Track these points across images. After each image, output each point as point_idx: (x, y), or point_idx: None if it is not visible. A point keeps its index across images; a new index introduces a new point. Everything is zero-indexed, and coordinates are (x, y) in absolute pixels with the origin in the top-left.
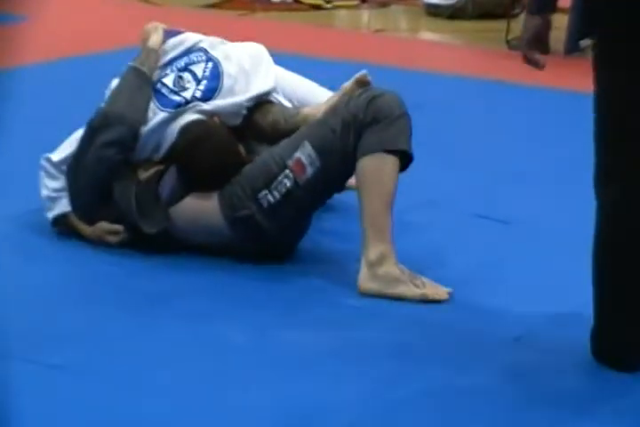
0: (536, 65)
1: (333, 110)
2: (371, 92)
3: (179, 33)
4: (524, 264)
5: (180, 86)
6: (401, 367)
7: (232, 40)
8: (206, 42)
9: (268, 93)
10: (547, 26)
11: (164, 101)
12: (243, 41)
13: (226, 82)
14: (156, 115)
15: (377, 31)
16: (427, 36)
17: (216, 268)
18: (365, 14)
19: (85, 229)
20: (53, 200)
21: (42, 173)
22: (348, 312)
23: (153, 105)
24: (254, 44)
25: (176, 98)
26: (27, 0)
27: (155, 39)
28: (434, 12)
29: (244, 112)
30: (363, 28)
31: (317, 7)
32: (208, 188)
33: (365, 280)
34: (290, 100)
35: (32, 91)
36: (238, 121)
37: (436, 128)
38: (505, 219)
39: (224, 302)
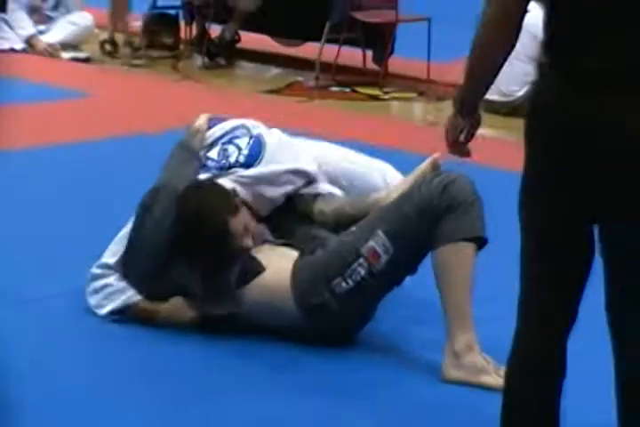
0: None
1: (406, 197)
2: (443, 178)
3: (223, 120)
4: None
5: (224, 156)
6: None
7: (290, 125)
8: (250, 122)
9: (310, 178)
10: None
11: (206, 168)
12: (301, 126)
13: (268, 150)
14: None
15: (431, 124)
16: (483, 131)
17: (283, 354)
18: (421, 107)
19: (159, 311)
20: (109, 295)
21: (91, 282)
22: (415, 404)
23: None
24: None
25: (218, 164)
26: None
27: (200, 121)
28: (490, 107)
29: (287, 188)
30: (417, 120)
31: (374, 97)
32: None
33: (450, 369)
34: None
35: (90, 165)
36: (280, 192)
37: (488, 223)
38: None
39: (292, 392)
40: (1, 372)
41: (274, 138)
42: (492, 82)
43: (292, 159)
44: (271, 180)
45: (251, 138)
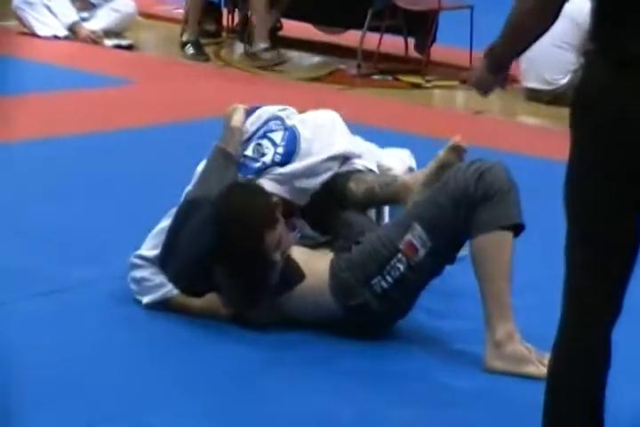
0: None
1: (441, 186)
2: (478, 166)
3: (257, 109)
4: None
5: (259, 153)
6: None
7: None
8: (283, 112)
9: (346, 156)
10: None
11: (243, 169)
12: (342, 114)
13: (303, 145)
14: None
15: (476, 113)
16: (525, 120)
17: (317, 341)
18: (463, 95)
19: (195, 305)
20: (147, 289)
21: (131, 271)
22: (453, 394)
23: None
24: (328, 111)
25: (256, 164)
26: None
27: (237, 118)
28: (533, 96)
29: (324, 176)
30: (459, 108)
31: (417, 86)
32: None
33: (492, 359)
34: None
35: (135, 153)
36: (317, 182)
37: (529, 212)
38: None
39: (329, 377)
40: (42, 359)
41: (308, 129)
42: (526, 50)
43: (326, 146)
44: (308, 173)
45: (285, 130)
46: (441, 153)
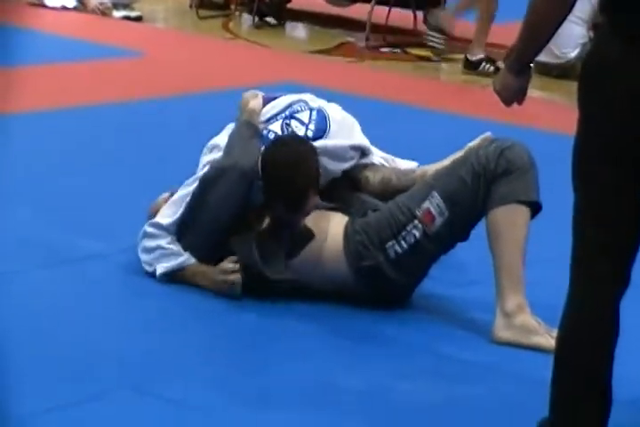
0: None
1: (462, 161)
2: (500, 144)
3: (276, 98)
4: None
5: (288, 131)
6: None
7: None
8: (306, 96)
9: (364, 150)
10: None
11: (267, 142)
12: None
13: (332, 125)
14: None
15: (480, 86)
16: (533, 93)
17: (330, 312)
18: None
19: (204, 278)
20: (162, 256)
21: (143, 240)
22: (461, 366)
23: None
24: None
25: None
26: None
27: (255, 103)
28: (542, 70)
29: (347, 164)
30: (468, 81)
31: (425, 58)
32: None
33: (501, 329)
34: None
35: (144, 124)
36: (341, 168)
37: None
38: None
39: (338, 347)
40: (54, 330)
41: (335, 111)
42: (546, 43)
43: (348, 134)
44: (335, 154)
45: (311, 111)
46: (472, 144)
